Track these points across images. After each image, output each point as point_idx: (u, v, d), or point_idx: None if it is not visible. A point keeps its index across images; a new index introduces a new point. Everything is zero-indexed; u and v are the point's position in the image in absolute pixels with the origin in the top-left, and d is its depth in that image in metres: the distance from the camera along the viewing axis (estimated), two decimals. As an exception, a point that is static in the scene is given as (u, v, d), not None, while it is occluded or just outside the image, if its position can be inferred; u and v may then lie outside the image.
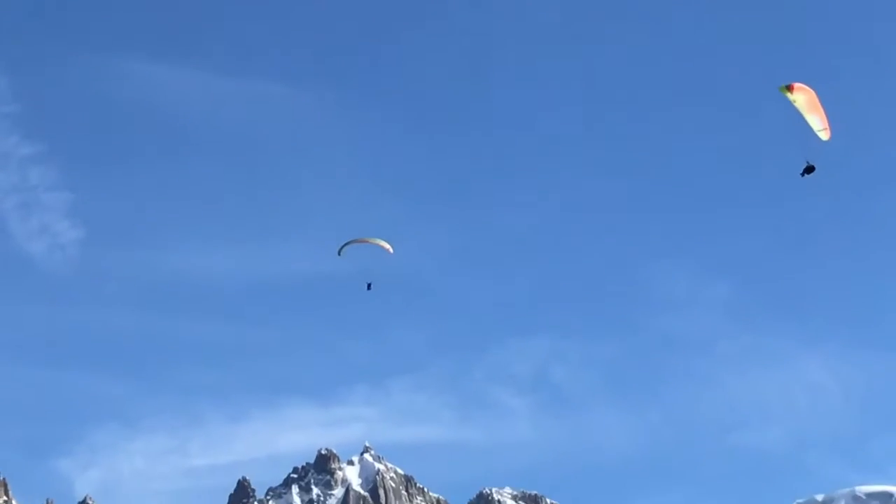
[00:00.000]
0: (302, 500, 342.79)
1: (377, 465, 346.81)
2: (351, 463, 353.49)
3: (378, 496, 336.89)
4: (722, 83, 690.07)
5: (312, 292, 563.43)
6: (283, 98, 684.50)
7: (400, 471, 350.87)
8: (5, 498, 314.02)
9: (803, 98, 66.78)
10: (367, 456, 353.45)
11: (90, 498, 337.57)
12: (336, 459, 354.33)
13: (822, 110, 67.40)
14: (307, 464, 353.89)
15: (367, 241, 77.39)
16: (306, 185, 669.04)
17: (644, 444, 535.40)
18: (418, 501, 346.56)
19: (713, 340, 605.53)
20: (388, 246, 77.11)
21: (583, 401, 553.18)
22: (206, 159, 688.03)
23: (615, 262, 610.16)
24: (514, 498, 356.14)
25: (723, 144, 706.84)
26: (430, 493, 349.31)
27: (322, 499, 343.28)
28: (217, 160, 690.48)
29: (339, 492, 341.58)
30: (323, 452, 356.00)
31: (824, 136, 67.61)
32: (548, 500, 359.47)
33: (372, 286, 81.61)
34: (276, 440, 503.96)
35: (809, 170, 69.97)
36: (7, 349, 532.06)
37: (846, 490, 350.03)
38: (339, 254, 79.19)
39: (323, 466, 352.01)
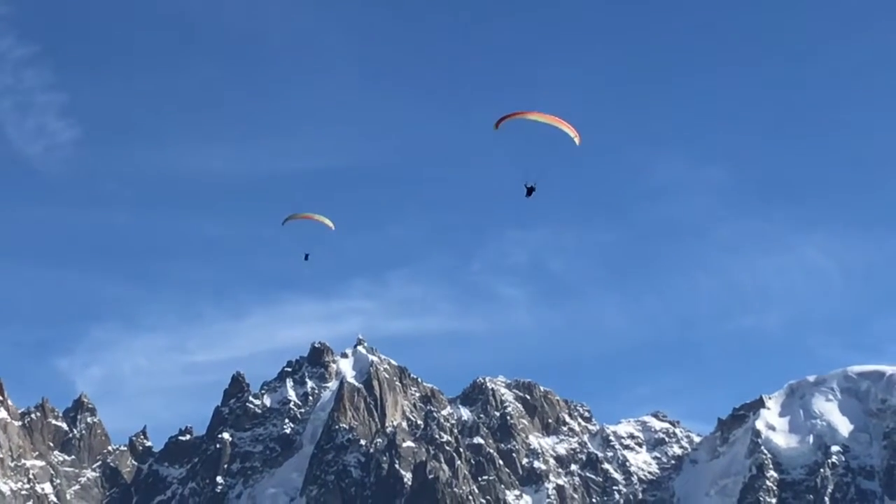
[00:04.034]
0: (297, 394, 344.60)
1: (371, 357, 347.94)
2: (345, 356, 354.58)
3: (372, 388, 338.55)
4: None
5: (311, 188, 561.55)
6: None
7: (393, 362, 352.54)
8: (0, 398, 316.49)
9: (541, 117, 67.07)
10: (360, 348, 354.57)
11: (85, 395, 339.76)
12: (330, 352, 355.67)
13: (563, 121, 67.88)
14: (301, 357, 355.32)
15: (310, 217, 77.43)
16: (304, 82, 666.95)
17: (642, 329, 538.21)
18: (412, 392, 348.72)
19: (710, 225, 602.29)
20: (329, 223, 77.07)
21: (581, 289, 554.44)
22: (202, 56, 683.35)
23: (609, 150, 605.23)
24: (508, 386, 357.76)
25: (716, 27, 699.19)
26: (424, 384, 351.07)
27: (317, 391, 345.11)
28: (213, 57, 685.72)
29: (333, 384, 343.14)
30: (317, 346, 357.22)
31: (577, 140, 68.79)
32: (541, 388, 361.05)
33: (309, 257, 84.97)
34: (274, 336, 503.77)
35: (531, 191, 71.74)
36: (6, 250, 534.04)
37: (839, 370, 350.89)
38: (282, 224, 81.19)
39: (317, 360, 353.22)
